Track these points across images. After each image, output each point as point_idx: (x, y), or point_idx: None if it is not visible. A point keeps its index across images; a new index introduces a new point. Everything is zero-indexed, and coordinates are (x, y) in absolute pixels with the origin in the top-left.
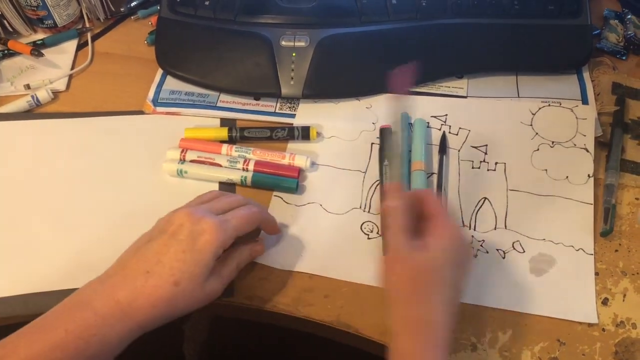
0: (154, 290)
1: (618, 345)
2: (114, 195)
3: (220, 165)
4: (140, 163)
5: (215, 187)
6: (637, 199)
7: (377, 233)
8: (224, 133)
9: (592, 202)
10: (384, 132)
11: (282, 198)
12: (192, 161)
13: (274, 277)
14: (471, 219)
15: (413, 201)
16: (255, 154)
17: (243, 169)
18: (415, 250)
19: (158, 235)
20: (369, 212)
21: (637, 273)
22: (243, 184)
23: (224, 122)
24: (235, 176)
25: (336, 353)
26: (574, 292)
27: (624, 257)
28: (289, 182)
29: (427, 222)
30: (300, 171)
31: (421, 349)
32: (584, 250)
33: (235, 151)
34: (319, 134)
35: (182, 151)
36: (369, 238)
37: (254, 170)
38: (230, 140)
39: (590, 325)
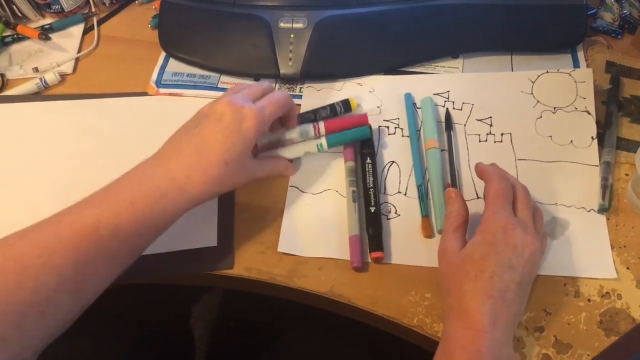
0: (207, 169)
1: (603, 315)
2: (119, 174)
3: (293, 141)
4: (144, 143)
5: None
6: (626, 174)
7: (395, 213)
8: None
9: (598, 163)
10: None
11: (297, 187)
12: (263, 146)
13: (270, 251)
14: (484, 190)
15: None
16: None
17: (315, 136)
18: (457, 248)
19: (203, 120)
20: (384, 193)
21: (624, 246)
22: (320, 150)
23: None
24: (311, 147)
25: (338, 329)
26: (590, 250)
27: (612, 231)
28: (363, 130)
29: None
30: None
31: (457, 332)
32: (595, 211)
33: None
34: (358, 105)
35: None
36: (387, 218)
37: (327, 133)
38: None
39: (576, 295)
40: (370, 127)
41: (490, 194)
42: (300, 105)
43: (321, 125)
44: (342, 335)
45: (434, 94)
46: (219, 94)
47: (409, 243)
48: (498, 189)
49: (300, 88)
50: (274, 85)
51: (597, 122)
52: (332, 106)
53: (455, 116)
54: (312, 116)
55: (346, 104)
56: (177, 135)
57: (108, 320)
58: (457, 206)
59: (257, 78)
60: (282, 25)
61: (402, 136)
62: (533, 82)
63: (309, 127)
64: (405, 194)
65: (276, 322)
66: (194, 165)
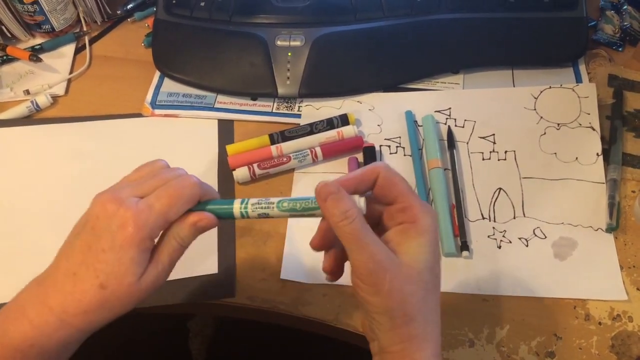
0: (83, 296)
1: (614, 339)
2: None
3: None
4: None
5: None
6: (633, 191)
7: None
8: (266, 140)
9: (604, 180)
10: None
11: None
12: (263, 171)
13: (273, 278)
14: (489, 210)
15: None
16: None
17: (313, 161)
18: (395, 257)
19: (82, 228)
20: None
21: (634, 266)
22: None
23: (222, 123)
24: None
25: (339, 350)
26: (599, 271)
27: (620, 251)
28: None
29: (398, 211)
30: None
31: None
32: (602, 230)
33: (285, 149)
34: (357, 120)
35: (249, 169)
36: None
37: (324, 157)
38: (273, 143)
39: (586, 319)
40: (374, 147)
41: (400, 187)
42: (299, 124)
43: (318, 150)
44: (344, 354)
45: (435, 111)
46: (216, 114)
47: None
48: (402, 180)
49: (299, 107)
50: (271, 104)
51: (602, 138)
52: (329, 120)
53: (458, 134)
54: (309, 128)
55: (344, 118)
56: (62, 246)
57: (109, 342)
58: (350, 202)
59: (254, 97)
60: (279, 43)
61: (404, 155)
62: (536, 98)
63: (306, 152)
64: None
65: (274, 335)
66: (70, 293)
